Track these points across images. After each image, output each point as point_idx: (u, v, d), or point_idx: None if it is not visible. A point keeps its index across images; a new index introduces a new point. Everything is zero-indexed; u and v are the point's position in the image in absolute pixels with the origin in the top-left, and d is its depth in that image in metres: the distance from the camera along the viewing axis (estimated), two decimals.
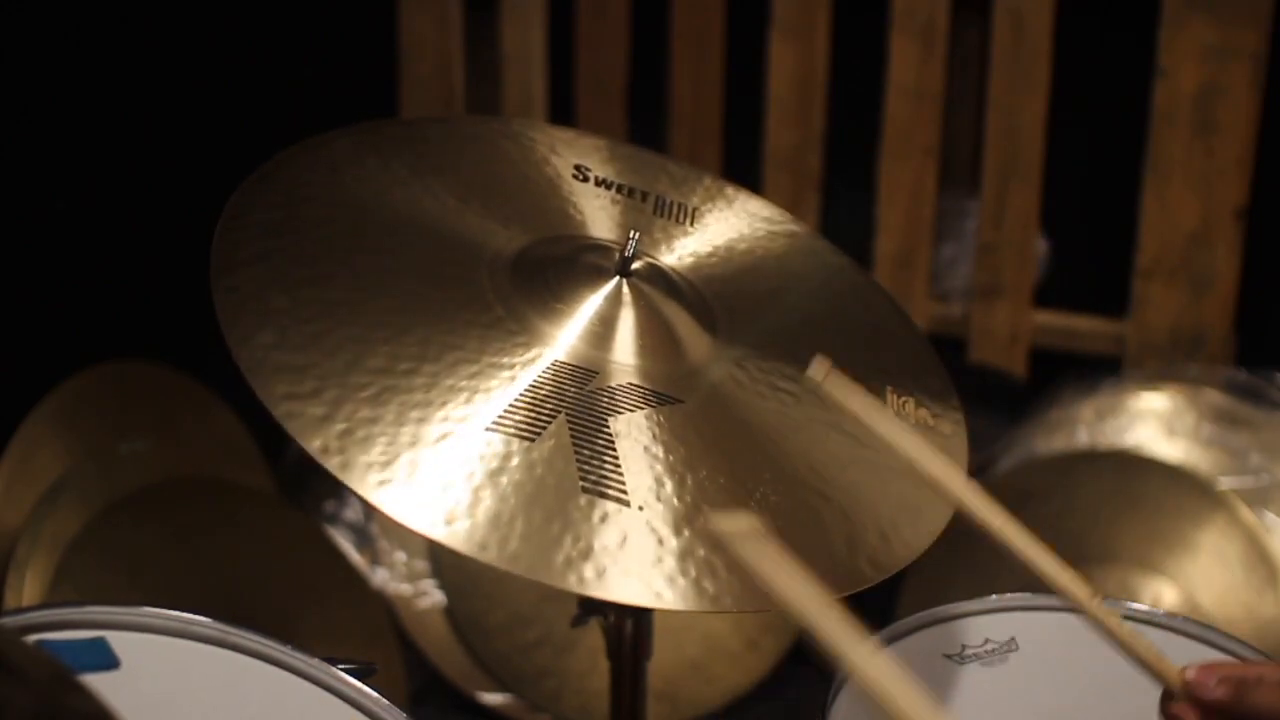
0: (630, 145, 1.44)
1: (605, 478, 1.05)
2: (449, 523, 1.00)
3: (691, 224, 1.35)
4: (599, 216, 1.31)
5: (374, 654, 1.98)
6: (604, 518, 1.03)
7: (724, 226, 1.37)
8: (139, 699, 1.03)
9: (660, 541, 1.03)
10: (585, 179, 1.34)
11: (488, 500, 1.02)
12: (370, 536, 2.25)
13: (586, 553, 1.01)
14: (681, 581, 1.02)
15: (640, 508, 1.04)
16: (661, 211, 1.34)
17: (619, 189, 1.34)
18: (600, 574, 1.01)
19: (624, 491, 1.05)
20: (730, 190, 1.41)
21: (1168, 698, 0.98)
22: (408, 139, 1.33)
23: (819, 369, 1.08)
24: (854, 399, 1.07)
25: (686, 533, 1.05)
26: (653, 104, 2.56)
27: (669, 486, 1.07)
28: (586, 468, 1.05)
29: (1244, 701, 0.95)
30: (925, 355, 1.32)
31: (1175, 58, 2.20)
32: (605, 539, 1.02)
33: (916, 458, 1.04)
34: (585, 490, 1.04)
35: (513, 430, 1.06)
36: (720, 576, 1.03)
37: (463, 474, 1.03)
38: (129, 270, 2.14)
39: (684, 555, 1.03)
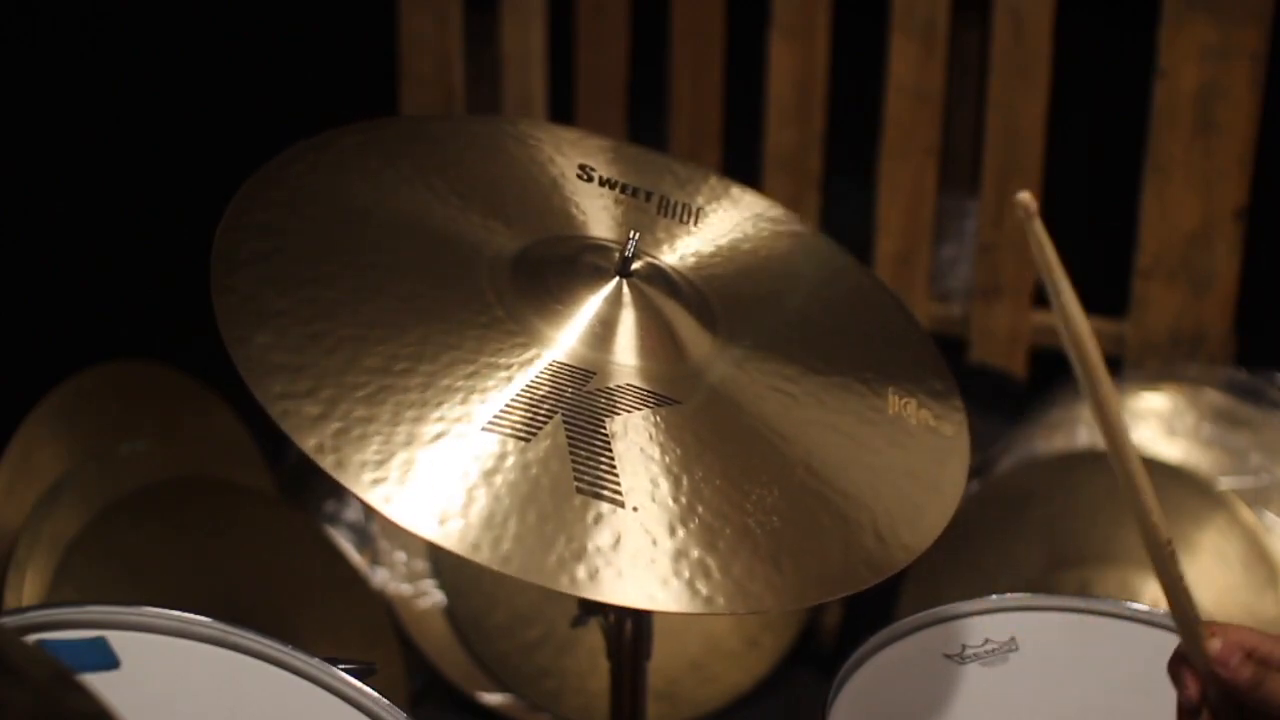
0: (635, 145, 1.44)
1: (600, 478, 1.05)
2: (442, 522, 1.00)
3: (695, 224, 1.35)
4: (601, 217, 1.31)
5: (374, 654, 1.98)
6: (598, 519, 1.03)
7: (727, 226, 1.37)
8: (139, 699, 1.03)
9: (654, 542, 1.03)
10: (589, 179, 1.34)
11: (482, 500, 1.01)
12: (370, 536, 2.25)
13: (580, 554, 1.01)
14: (675, 583, 1.02)
15: (635, 509, 1.04)
16: (665, 211, 1.34)
17: (623, 189, 1.34)
18: (593, 575, 1.00)
19: (619, 492, 1.05)
20: (735, 190, 1.41)
21: (1180, 657, 0.96)
22: (412, 137, 1.33)
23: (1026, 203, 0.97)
24: (1047, 252, 0.98)
25: (681, 533, 1.04)
26: (653, 104, 2.56)
27: (664, 487, 1.07)
28: (582, 468, 1.05)
29: (1261, 688, 0.93)
30: (929, 356, 1.32)
31: (1175, 58, 2.20)
32: (599, 540, 1.02)
33: (1078, 351, 0.93)
34: (580, 491, 1.04)
35: (509, 430, 1.05)
36: (714, 578, 1.03)
37: (457, 474, 1.02)
38: (129, 270, 2.14)
39: (678, 556, 1.03)
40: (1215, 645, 0.94)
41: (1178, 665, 0.96)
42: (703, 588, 1.02)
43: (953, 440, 1.23)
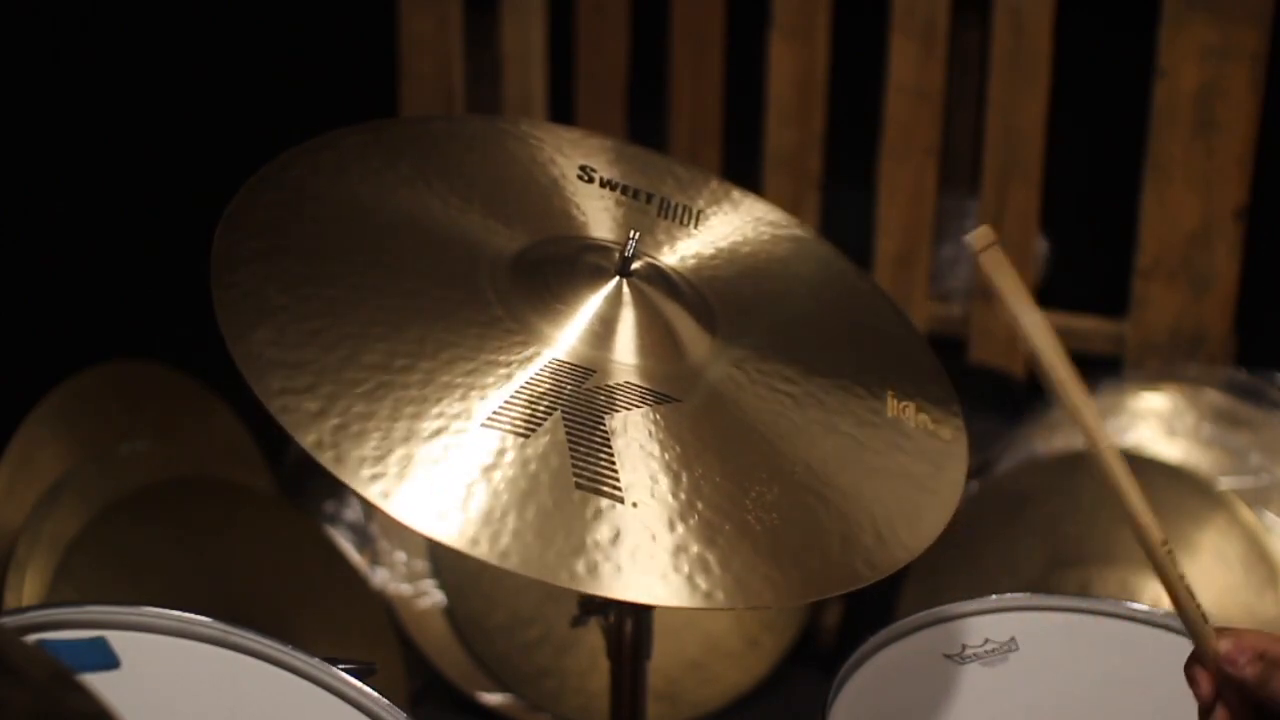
0: (636, 146, 1.43)
1: (600, 474, 1.05)
2: (441, 517, 1.00)
3: (695, 226, 1.35)
4: (602, 217, 1.31)
5: (374, 654, 1.98)
6: (597, 514, 1.03)
7: (728, 229, 1.37)
8: (139, 699, 1.03)
9: (653, 538, 1.03)
10: (590, 180, 1.34)
11: (480, 495, 1.02)
12: (370, 536, 2.25)
13: (579, 548, 1.01)
14: (674, 578, 1.02)
15: (634, 504, 1.04)
16: (665, 213, 1.34)
17: (624, 190, 1.34)
18: (592, 570, 1.01)
19: (618, 488, 1.05)
20: (736, 193, 1.41)
21: (1195, 658, 0.97)
22: (413, 138, 1.33)
23: (981, 238, 1.04)
24: (1008, 281, 1.06)
25: (680, 529, 1.05)
26: (653, 104, 2.56)
27: (664, 484, 1.07)
28: (581, 464, 1.05)
29: (1269, 685, 0.93)
30: (927, 361, 1.32)
31: (1175, 58, 2.20)
32: (598, 535, 1.02)
33: (1060, 379, 0.98)
34: (579, 486, 1.04)
35: (508, 426, 1.06)
36: (713, 573, 1.03)
37: (456, 469, 1.03)
38: (129, 270, 2.14)
39: (677, 551, 1.03)
40: (1225, 645, 0.95)
41: (1192, 666, 0.97)
42: (702, 583, 1.03)
43: (951, 444, 1.24)
